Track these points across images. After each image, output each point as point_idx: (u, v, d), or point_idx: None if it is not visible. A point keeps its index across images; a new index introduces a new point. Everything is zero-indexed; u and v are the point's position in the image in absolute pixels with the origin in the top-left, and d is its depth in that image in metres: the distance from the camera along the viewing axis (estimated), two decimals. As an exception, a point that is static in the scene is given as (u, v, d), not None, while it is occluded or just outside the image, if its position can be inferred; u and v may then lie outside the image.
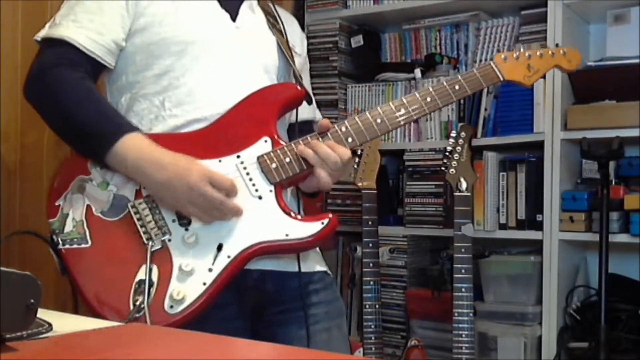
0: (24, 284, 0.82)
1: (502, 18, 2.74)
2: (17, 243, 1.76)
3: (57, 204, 1.38)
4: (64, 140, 1.44)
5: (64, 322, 0.92)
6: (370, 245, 2.37)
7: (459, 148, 2.24)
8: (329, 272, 1.58)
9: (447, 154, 2.25)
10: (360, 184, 2.41)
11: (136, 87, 1.45)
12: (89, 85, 1.40)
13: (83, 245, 1.34)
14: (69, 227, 1.36)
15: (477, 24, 2.81)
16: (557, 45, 1.69)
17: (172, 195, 1.34)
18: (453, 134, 2.26)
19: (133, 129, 1.37)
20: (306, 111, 1.59)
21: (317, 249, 1.56)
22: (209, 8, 1.49)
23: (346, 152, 1.43)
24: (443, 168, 2.26)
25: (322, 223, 1.39)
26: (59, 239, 1.35)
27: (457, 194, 2.23)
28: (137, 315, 1.27)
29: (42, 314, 0.87)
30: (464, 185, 2.21)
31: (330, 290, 1.56)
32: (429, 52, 2.88)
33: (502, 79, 1.57)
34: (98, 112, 1.37)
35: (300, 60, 1.64)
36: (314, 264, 1.53)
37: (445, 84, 1.53)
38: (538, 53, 1.61)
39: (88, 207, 1.37)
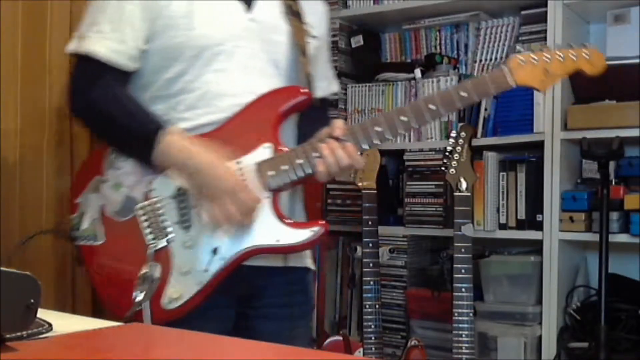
0: (24, 284, 0.82)
1: (502, 18, 2.74)
2: (16, 244, 1.75)
3: (76, 201, 1.49)
4: (115, 149, 1.48)
5: (64, 322, 0.92)
6: (370, 245, 2.37)
7: (459, 148, 2.23)
8: (310, 267, 1.62)
9: (447, 154, 2.25)
10: (360, 184, 2.41)
11: (154, 87, 1.48)
12: (117, 94, 1.45)
13: (96, 243, 1.46)
14: (85, 224, 1.47)
15: (477, 24, 2.80)
16: (584, 45, 1.50)
17: (209, 182, 1.39)
18: (453, 134, 2.26)
19: (164, 126, 1.41)
20: (320, 89, 1.61)
21: None
22: (226, 2, 1.48)
23: (359, 162, 1.44)
24: (443, 168, 2.26)
25: (312, 231, 1.43)
26: (76, 235, 1.48)
27: (457, 194, 2.22)
28: (137, 309, 1.31)
29: (42, 314, 0.87)
30: (464, 185, 2.21)
31: (306, 291, 1.63)
32: (429, 52, 2.88)
33: (513, 85, 1.48)
34: (130, 119, 1.43)
35: (316, 43, 1.60)
36: (300, 259, 1.58)
37: (453, 90, 1.47)
38: (558, 57, 1.49)
39: (102, 207, 1.47)
